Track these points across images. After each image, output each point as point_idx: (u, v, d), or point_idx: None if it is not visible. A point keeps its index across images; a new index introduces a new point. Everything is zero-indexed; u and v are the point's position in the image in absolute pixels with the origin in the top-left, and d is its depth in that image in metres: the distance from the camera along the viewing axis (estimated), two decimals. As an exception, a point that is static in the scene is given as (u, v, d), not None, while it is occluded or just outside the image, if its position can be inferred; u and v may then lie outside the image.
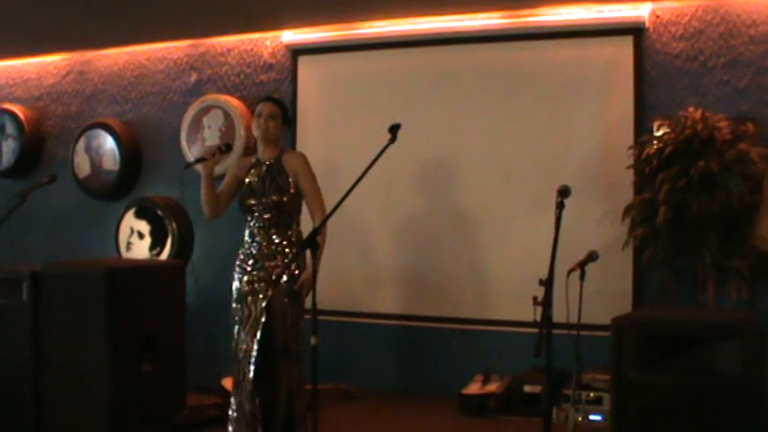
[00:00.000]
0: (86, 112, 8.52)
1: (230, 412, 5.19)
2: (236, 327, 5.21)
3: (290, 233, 5.22)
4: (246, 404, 5.09)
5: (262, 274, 5.16)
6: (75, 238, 8.42)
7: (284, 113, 5.38)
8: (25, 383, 5.77)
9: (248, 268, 5.21)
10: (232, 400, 5.20)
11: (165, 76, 8.14)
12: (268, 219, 5.19)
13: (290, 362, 5.11)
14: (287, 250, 5.18)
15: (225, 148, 5.48)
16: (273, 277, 5.09)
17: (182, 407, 6.05)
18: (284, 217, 5.21)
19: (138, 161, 8.22)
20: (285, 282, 5.07)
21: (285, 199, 5.17)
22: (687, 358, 3.97)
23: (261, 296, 5.12)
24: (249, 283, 5.19)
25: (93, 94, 8.50)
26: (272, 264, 5.16)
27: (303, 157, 5.35)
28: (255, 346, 5.08)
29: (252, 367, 5.08)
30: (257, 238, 5.23)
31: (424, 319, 7.07)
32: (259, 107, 5.34)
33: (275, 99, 5.50)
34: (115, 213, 8.09)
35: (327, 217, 4.69)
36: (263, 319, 5.09)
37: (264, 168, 5.27)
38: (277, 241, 5.18)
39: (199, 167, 5.49)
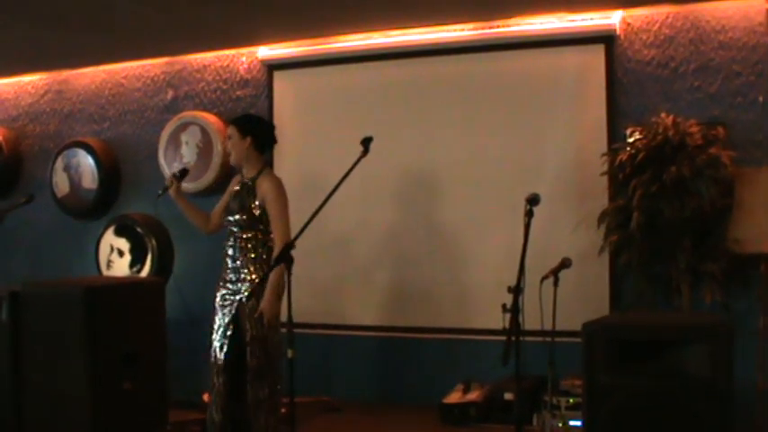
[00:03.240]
0: (64, 131, 8.53)
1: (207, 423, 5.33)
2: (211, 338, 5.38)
3: (252, 251, 5.27)
4: (216, 416, 5.18)
5: (231, 287, 5.29)
6: (55, 257, 8.41)
7: (240, 127, 5.42)
8: (5, 403, 5.78)
9: (223, 282, 5.36)
10: (207, 412, 5.36)
11: (143, 93, 8.16)
12: (236, 235, 5.31)
13: (256, 376, 5.17)
14: (248, 269, 5.29)
15: (179, 174, 5.67)
16: (243, 292, 5.18)
17: (164, 423, 6.06)
18: (246, 234, 5.29)
19: (116, 179, 8.23)
20: (251, 297, 5.12)
21: (245, 217, 5.25)
22: (658, 362, 4.03)
23: (229, 309, 5.23)
24: (222, 297, 5.35)
25: (71, 113, 8.52)
26: (238, 279, 5.29)
27: (273, 181, 5.37)
28: (222, 359, 5.19)
29: (220, 379, 5.19)
30: (229, 253, 5.35)
31: (403, 330, 7.08)
32: None
33: (235, 118, 5.65)
34: (95, 232, 8.10)
35: (302, 230, 4.68)
36: (228, 333, 5.20)
37: (239, 187, 5.38)
38: (240, 258, 5.28)
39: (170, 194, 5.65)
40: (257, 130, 5.45)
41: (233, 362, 5.26)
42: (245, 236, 5.28)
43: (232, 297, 5.28)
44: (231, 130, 5.42)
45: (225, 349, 5.28)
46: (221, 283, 5.39)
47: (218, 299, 5.37)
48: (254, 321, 5.17)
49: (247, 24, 6.92)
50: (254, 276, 5.20)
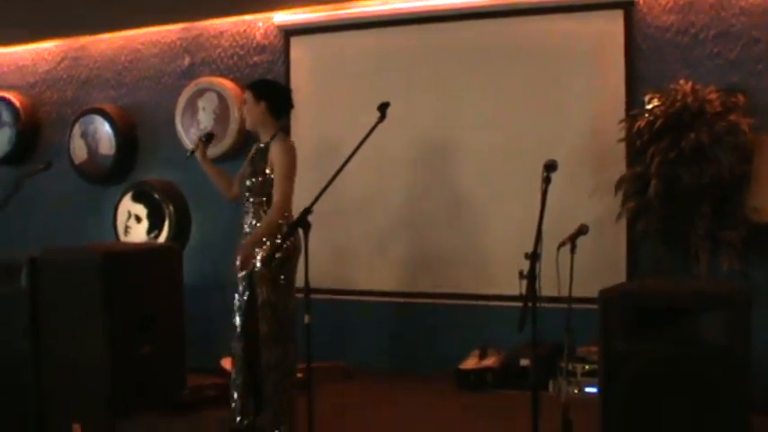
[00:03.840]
0: (81, 97, 8.53)
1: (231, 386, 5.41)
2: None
3: (264, 216, 5.27)
4: (238, 378, 5.27)
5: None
6: (72, 223, 8.44)
7: (255, 92, 5.38)
8: (25, 368, 5.83)
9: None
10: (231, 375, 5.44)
11: (160, 59, 8.15)
12: (251, 200, 5.31)
13: (266, 341, 5.20)
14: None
15: (205, 138, 5.70)
16: (257, 257, 5.18)
17: (181, 387, 6.12)
18: (259, 199, 5.28)
19: (134, 145, 8.24)
20: (270, 262, 5.12)
21: (257, 181, 5.24)
22: (675, 329, 4.01)
23: (246, 274, 5.24)
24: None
25: (88, 80, 8.52)
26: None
27: (284, 144, 5.32)
28: (239, 324, 5.31)
29: (239, 344, 5.29)
30: (244, 220, 5.36)
31: (419, 296, 7.10)
32: None
33: (251, 83, 5.59)
34: (112, 198, 8.13)
35: (319, 195, 4.67)
36: (244, 298, 5.24)
37: (253, 152, 5.38)
38: (253, 222, 5.28)
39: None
40: (272, 94, 5.41)
41: (248, 327, 5.29)
42: (257, 200, 5.27)
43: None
44: (247, 95, 5.39)
45: (241, 315, 5.31)
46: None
47: (237, 264, 5.32)
48: (265, 287, 5.17)
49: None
50: (266, 241, 5.20)
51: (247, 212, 5.34)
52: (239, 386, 5.32)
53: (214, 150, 7.15)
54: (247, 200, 5.33)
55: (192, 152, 5.59)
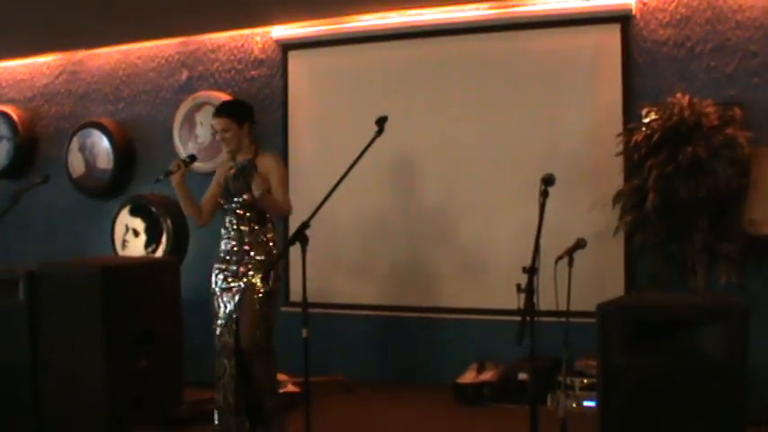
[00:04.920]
0: (79, 111, 8.55)
1: (216, 408, 5.36)
2: (217, 323, 5.36)
3: (260, 232, 5.25)
4: (230, 398, 5.20)
5: (233, 269, 5.26)
6: (70, 237, 8.45)
7: (235, 117, 5.26)
8: (23, 382, 5.81)
9: (225, 265, 5.31)
10: (216, 395, 5.37)
11: (157, 74, 8.17)
12: (239, 217, 5.26)
13: (260, 358, 5.20)
14: (255, 249, 5.24)
15: (189, 159, 5.55)
16: (251, 272, 5.19)
17: (179, 402, 6.10)
18: (253, 214, 5.25)
19: (131, 159, 8.25)
20: (256, 279, 5.15)
21: (247, 198, 5.21)
22: (673, 342, 4.02)
23: (234, 292, 5.19)
24: (225, 279, 5.29)
25: (86, 94, 8.53)
26: (242, 260, 5.24)
27: (275, 158, 5.41)
28: (233, 342, 5.24)
29: (232, 362, 5.26)
30: (230, 235, 5.30)
31: (417, 310, 7.11)
32: (213, 122, 5.41)
33: (222, 108, 5.41)
34: (110, 212, 8.13)
35: (318, 209, 4.69)
36: (235, 316, 5.19)
37: (235, 171, 5.31)
38: (247, 240, 5.24)
39: (171, 180, 5.36)
40: (248, 113, 5.35)
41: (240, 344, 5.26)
42: (248, 215, 5.24)
43: (235, 279, 5.25)
44: (225, 124, 5.22)
45: (233, 332, 5.25)
46: (221, 266, 5.31)
47: (218, 282, 5.30)
48: (260, 299, 5.15)
49: (262, 4, 6.91)
50: (259, 257, 5.19)
51: (236, 229, 5.27)
52: (232, 407, 5.28)
53: (211, 165, 7.15)
54: (237, 216, 5.26)
55: (168, 174, 5.30)
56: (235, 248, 5.26)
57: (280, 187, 5.23)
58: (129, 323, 5.72)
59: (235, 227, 5.28)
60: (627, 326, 4.04)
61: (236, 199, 5.25)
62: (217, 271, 5.34)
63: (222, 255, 5.33)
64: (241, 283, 5.20)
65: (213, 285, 5.35)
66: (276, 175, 5.23)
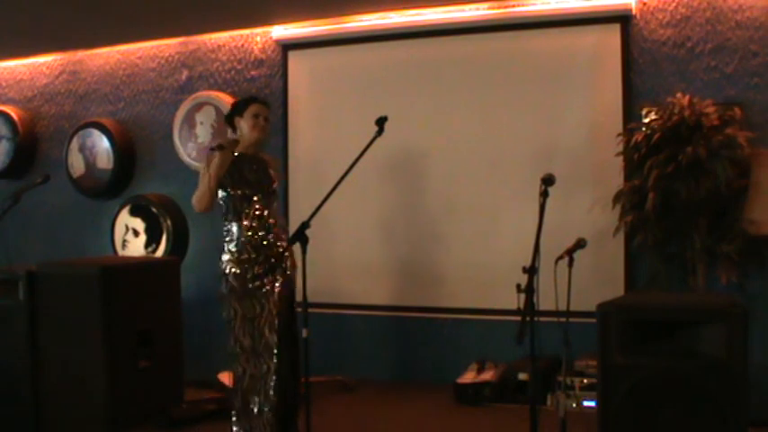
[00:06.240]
0: (79, 111, 8.55)
1: (236, 408, 5.12)
2: (245, 320, 5.13)
3: (277, 223, 5.27)
4: (275, 397, 5.05)
5: (264, 261, 5.17)
6: (70, 237, 8.46)
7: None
8: (23, 382, 5.83)
9: (249, 257, 5.17)
10: (239, 395, 5.11)
11: (157, 74, 8.17)
12: (266, 206, 5.23)
13: (270, 353, 5.08)
14: (280, 239, 5.24)
15: (217, 148, 5.43)
16: (282, 265, 5.18)
17: (179, 401, 6.11)
18: (276, 202, 5.30)
19: (131, 159, 8.25)
20: (285, 274, 5.15)
21: (265, 193, 5.21)
22: (672, 342, 4.02)
23: (268, 288, 5.14)
24: (252, 279, 5.15)
25: (86, 94, 8.53)
26: (269, 255, 5.18)
27: (277, 160, 5.51)
28: (275, 338, 5.07)
29: (274, 360, 5.05)
30: (253, 226, 5.19)
31: (417, 310, 7.11)
32: (255, 108, 5.31)
33: (265, 101, 5.49)
34: (110, 212, 8.14)
35: (317, 209, 4.69)
36: (275, 311, 5.10)
37: (253, 164, 5.28)
38: (271, 222, 5.21)
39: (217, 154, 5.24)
40: None
41: (285, 341, 5.14)
42: (275, 204, 5.28)
43: (267, 274, 5.15)
44: (268, 113, 5.39)
45: (275, 328, 5.07)
46: (246, 264, 5.16)
47: (247, 284, 5.13)
48: (270, 298, 5.11)
49: (262, 4, 6.92)
50: (282, 240, 5.24)
51: (263, 216, 5.20)
52: (273, 405, 5.04)
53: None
54: (267, 205, 5.24)
55: (221, 147, 5.19)
56: (259, 242, 5.18)
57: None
58: (129, 323, 5.73)
59: (251, 220, 5.17)
60: (627, 326, 4.04)
61: (255, 190, 5.21)
62: (241, 267, 5.16)
63: (243, 250, 5.18)
64: (274, 279, 5.16)
65: (241, 281, 5.16)
66: (279, 180, 5.37)
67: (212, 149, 5.22)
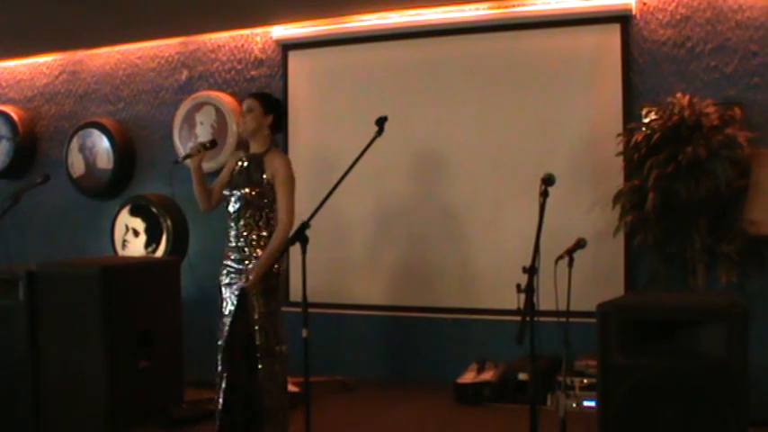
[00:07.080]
0: (79, 111, 8.56)
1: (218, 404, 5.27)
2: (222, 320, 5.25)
3: (257, 229, 5.18)
4: (221, 396, 5.20)
5: (236, 266, 5.18)
6: (70, 237, 8.46)
7: (264, 104, 5.29)
8: (23, 382, 5.82)
9: (227, 261, 5.22)
10: (220, 393, 5.28)
11: (157, 74, 8.17)
12: (241, 212, 5.17)
13: (265, 353, 5.11)
14: (253, 246, 5.16)
15: (209, 144, 5.43)
16: (250, 270, 5.11)
17: (179, 401, 6.11)
18: (252, 211, 5.17)
19: (131, 159, 8.26)
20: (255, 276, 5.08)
21: (253, 193, 5.15)
22: (672, 342, 4.02)
23: (234, 288, 5.16)
24: (227, 275, 5.21)
25: (86, 94, 8.54)
26: (243, 258, 5.16)
27: (285, 159, 5.30)
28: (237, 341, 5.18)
29: (235, 360, 5.19)
30: (231, 231, 5.22)
31: (417, 310, 7.12)
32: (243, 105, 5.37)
33: (255, 93, 5.47)
34: (110, 212, 8.14)
35: (317, 209, 4.67)
36: (231, 310, 5.15)
37: (245, 162, 5.26)
38: (245, 234, 5.16)
39: (188, 163, 5.39)
40: (278, 110, 5.36)
41: (234, 341, 5.21)
42: (253, 212, 5.18)
43: (237, 276, 5.21)
44: (253, 104, 5.26)
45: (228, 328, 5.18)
46: (226, 262, 5.23)
47: (224, 279, 5.23)
48: (262, 298, 5.11)
49: (262, 4, 6.93)
50: (259, 253, 5.15)
51: (236, 224, 5.21)
52: (225, 404, 5.23)
53: (210, 164, 7.14)
54: (240, 211, 5.19)
55: (187, 157, 5.36)
56: (235, 244, 5.17)
57: (286, 195, 5.14)
58: (129, 323, 5.73)
59: (235, 221, 5.18)
60: (627, 326, 4.04)
61: (235, 192, 5.20)
62: (222, 266, 5.24)
63: (226, 249, 5.25)
64: (240, 279, 5.15)
65: (221, 281, 5.26)
66: (281, 178, 5.15)
67: (204, 147, 5.32)
